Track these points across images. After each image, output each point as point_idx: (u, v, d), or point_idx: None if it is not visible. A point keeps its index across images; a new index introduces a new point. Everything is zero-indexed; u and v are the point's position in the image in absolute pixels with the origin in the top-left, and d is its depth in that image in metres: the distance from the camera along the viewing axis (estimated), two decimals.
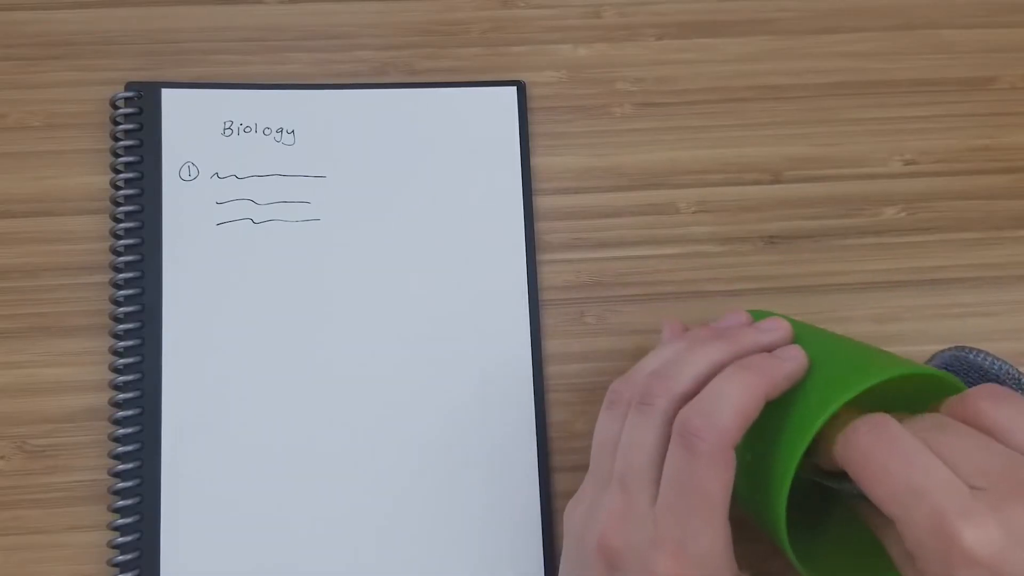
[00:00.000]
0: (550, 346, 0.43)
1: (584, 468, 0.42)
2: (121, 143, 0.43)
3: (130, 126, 0.43)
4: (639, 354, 0.43)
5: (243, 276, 0.42)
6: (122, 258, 0.42)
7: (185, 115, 0.43)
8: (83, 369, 0.41)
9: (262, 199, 0.43)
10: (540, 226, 0.44)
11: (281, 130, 0.44)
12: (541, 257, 0.44)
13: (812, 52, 0.48)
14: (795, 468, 0.30)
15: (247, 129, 0.43)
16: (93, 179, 0.43)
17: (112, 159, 0.43)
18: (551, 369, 0.43)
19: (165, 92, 0.44)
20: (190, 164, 0.43)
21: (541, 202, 0.45)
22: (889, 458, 0.28)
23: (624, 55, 0.47)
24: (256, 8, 0.46)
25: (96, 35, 0.45)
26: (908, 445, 0.28)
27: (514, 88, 0.45)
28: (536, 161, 0.45)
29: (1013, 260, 0.46)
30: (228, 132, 0.43)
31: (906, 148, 0.47)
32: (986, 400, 0.29)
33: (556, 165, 0.45)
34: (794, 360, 0.32)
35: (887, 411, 0.30)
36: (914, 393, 0.32)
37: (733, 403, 0.30)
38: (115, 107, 0.43)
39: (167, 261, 0.42)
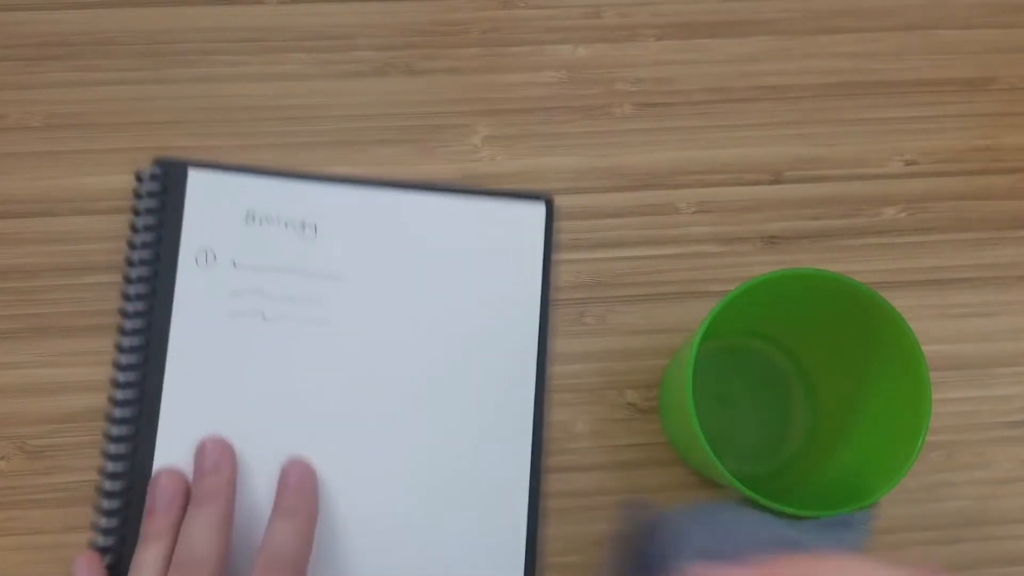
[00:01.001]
0: (550, 346, 0.43)
1: (581, 469, 0.42)
2: (140, 219, 0.41)
3: (152, 204, 0.41)
4: (639, 354, 0.44)
5: (249, 372, 0.40)
6: (128, 339, 0.40)
7: (209, 198, 0.41)
8: (83, 369, 0.41)
9: (277, 294, 0.41)
10: None
11: (303, 224, 0.42)
12: None
13: (812, 52, 0.48)
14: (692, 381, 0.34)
15: (270, 219, 0.42)
16: (93, 179, 0.44)
17: (130, 234, 0.41)
18: (551, 369, 0.43)
19: (192, 173, 0.42)
20: (208, 250, 0.41)
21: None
22: None
23: (624, 55, 0.47)
24: (256, 8, 0.46)
25: (96, 35, 0.45)
26: None
27: (543, 204, 0.43)
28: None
29: (1013, 260, 0.46)
30: (251, 220, 0.41)
31: (906, 148, 0.47)
32: None
33: (556, 165, 0.45)
34: (218, 476, 0.37)
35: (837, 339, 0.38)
36: (841, 310, 0.37)
37: (208, 550, 0.35)
38: (140, 181, 0.41)
39: (172, 350, 0.40)
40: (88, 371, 0.41)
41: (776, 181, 0.46)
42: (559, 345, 0.43)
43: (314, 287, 0.41)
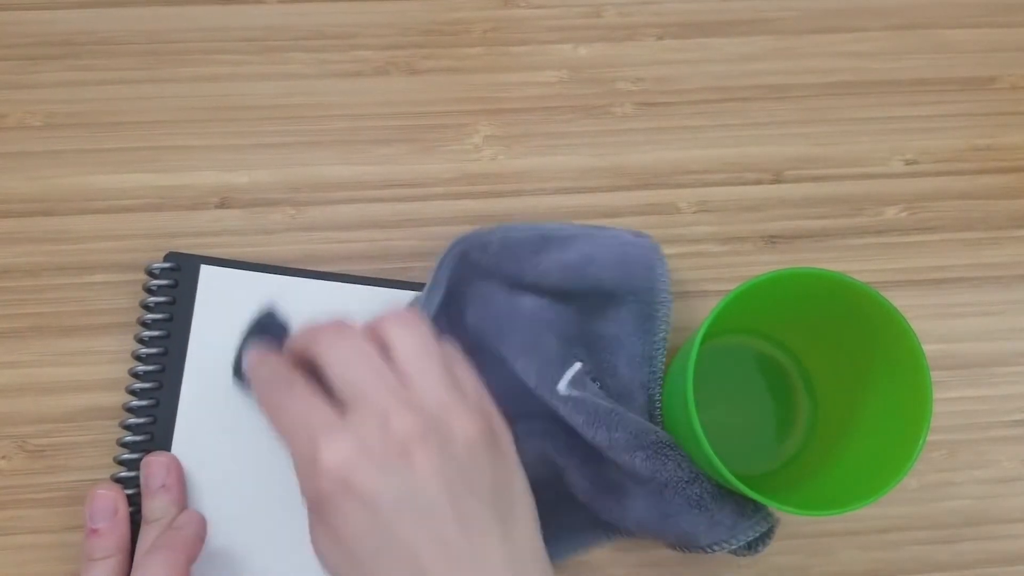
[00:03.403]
0: None
1: None
2: (151, 314, 0.41)
3: (163, 298, 0.41)
4: None
5: (255, 465, 0.40)
6: (131, 437, 0.40)
7: (220, 294, 0.41)
8: (82, 369, 0.41)
9: None
10: None
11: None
12: None
13: (812, 52, 0.48)
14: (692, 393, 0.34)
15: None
16: (93, 179, 0.44)
17: (139, 329, 0.41)
18: None
19: (204, 268, 0.41)
20: (217, 345, 0.40)
21: (541, 202, 0.45)
22: (277, 396, 0.32)
23: (624, 55, 0.47)
24: (256, 8, 0.46)
25: (96, 35, 0.45)
26: (292, 382, 0.32)
27: None
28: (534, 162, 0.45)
29: (1013, 260, 0.46)
30: None
31: (907, 148, 0.47)
32: (390, 322, 0.32)
33: (557, 164, 0.45)
34: (190, 524, 0.38)
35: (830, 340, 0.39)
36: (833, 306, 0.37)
37: None
38: (152, 275, 0.41)
39: (176, 446, 0.40)
40: (88, 370, 0.41)
41: (777, 180, 0.46)
42: None
43: None
